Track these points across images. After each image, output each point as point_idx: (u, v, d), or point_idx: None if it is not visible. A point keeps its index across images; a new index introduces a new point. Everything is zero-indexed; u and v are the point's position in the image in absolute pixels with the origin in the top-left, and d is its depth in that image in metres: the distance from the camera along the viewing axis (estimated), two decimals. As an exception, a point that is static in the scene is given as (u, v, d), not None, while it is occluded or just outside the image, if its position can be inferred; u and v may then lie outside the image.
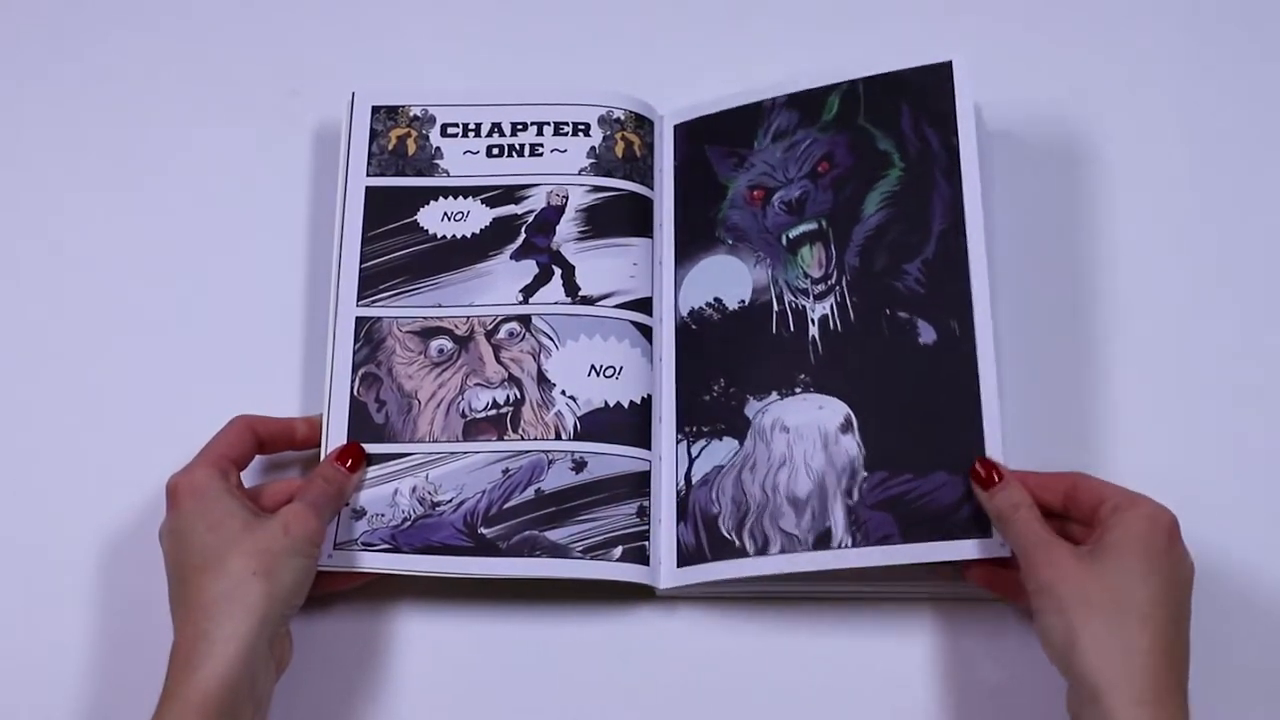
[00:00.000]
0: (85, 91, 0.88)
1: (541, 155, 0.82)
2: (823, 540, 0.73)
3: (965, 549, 0.71)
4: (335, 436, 0.76)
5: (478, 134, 0.83)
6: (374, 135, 0.82)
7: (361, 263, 0.80)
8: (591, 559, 0.74)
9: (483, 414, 0.77)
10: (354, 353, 0.78)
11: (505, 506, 0.75)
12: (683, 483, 0.77)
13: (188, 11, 0.89)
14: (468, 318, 0.79)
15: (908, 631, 0.74)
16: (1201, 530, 0.70)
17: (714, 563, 0.74)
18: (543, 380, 0.78)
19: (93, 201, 0.85)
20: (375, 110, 0.83)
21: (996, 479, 0.70)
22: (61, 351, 0.82)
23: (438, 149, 0.82)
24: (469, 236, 0.81)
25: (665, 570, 0.75)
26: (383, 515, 0.75)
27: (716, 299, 0.80)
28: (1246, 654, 0.74)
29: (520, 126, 0.83)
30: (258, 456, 0.76)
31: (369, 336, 0.79)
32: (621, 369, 0.78)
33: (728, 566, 0.74)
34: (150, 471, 0.73)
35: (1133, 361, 0.80)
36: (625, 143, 0.82)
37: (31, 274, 0.84)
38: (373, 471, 0.76)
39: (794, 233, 0.79)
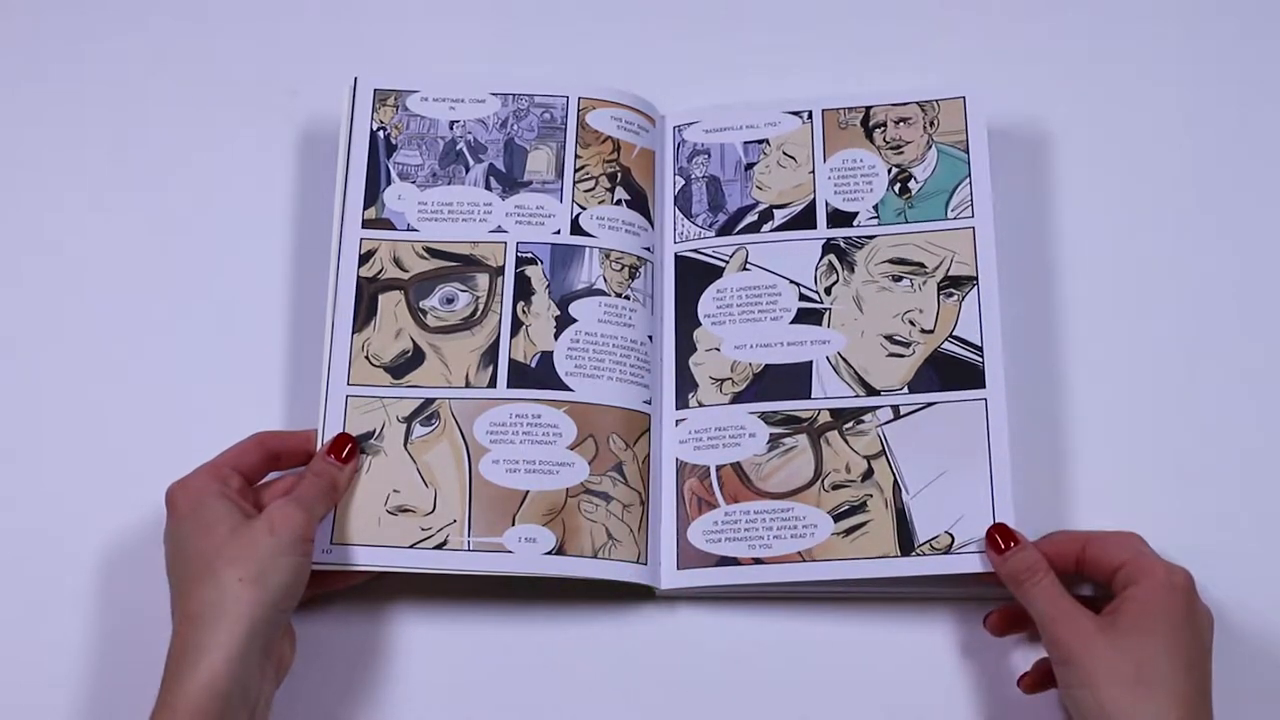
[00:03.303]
0: (84, 92, 0.87)
1: None
2: None
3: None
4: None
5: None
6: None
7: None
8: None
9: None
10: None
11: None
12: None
13: (186, 12, 0.89)
14: None
15: (912, 631, 0.75)
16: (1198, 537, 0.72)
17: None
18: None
19: (92, 203, 0.85)
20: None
21: (1011, 545, 0.70)
22: (61, 352, 0.81)
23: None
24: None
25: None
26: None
27: None
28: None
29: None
30: (278, 472, 0.74)
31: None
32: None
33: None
34: (155, 477, 0.72)
35: (1132, 370, 0.80)
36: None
37: (29, 276, 0.83)
38: None
39: None
